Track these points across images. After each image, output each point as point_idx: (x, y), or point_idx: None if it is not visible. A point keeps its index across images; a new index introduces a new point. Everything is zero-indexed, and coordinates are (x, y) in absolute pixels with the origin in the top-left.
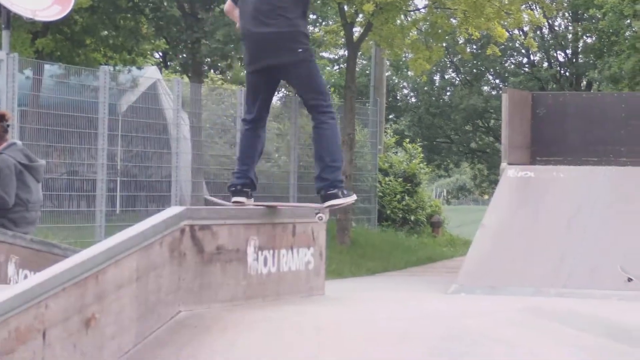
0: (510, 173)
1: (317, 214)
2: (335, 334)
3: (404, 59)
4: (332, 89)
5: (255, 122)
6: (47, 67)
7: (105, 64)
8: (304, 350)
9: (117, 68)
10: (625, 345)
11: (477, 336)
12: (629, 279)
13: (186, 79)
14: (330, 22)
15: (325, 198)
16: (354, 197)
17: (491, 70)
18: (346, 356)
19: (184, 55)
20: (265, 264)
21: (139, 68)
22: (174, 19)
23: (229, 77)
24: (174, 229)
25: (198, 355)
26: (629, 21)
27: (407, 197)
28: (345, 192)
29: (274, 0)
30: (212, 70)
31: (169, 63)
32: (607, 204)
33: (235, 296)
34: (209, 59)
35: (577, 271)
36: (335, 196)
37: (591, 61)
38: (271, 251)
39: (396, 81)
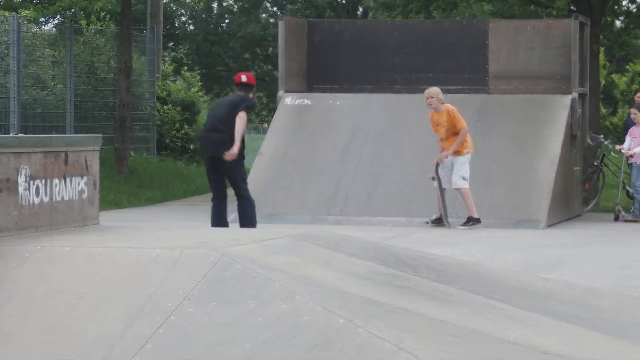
0: (287, 101)
1: None
2: (107, 264)
3: None
4: (109, 16)
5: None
6: None
7: None
8: (74, 281)
9: None
10: (392, 269)
11: (248, 262)
12: (432, 178)
13: None
14: None
15: None
16: None
17: None
18: (118, 284)
19: None
20: (37, 193)
21: None
22: None
23: (1, 3)
24: None
25: None
26: None
27: (186, 126)
28: None
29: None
30: None
31: None
32: (382, 131)
33: (6, 227)
34: None
35: (353, 198)
36: None
37: None
38: (43, 180)
39: (174, 8)
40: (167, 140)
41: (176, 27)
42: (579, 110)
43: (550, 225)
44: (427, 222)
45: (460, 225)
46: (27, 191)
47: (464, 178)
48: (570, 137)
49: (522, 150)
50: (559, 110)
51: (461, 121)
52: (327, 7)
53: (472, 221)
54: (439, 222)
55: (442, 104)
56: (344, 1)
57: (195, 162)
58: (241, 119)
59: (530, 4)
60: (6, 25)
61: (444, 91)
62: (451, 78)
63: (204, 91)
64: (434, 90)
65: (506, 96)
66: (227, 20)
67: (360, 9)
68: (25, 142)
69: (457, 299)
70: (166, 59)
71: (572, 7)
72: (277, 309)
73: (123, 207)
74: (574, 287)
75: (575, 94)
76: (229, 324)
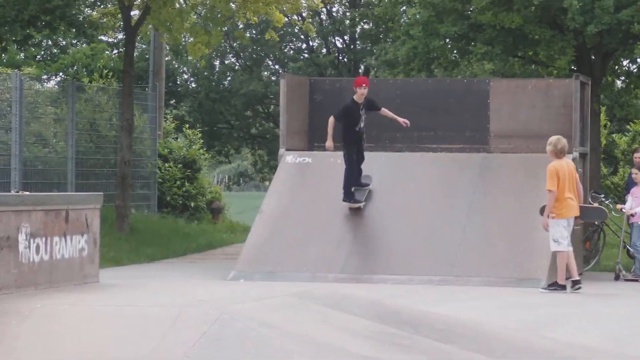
0: (288, 159)
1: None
2: (106, 322)
3: (183, 43)
4: (111, 74)
5: None
6: None
7: None
8: (73, 339)
9: None
10: (392, 327)
11: (247, 321)
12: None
13: None
14: (109, 5)
15: None
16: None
17: (271, 55)
18: (116, 343)
19: None
20: (37, 251)
21: None
22: None
23: (4, 61)
24: None
25: None
26: (404, 8)
27: (187, 184)
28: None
29: None
30: None
31: None
32: (384, 189)
33: (6, 285)
34: None
35: (353, 256)
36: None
37: (368, 47)
38: (43, 238)
39: (176, 66)
40: (168, 198)
41: (178, 84)
42: (580, 170)
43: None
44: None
45: (542, 287)
46: (28, 249)
47: (554, 240)
48: None
49: (523, 209)
50: None
51: (549, 183)
52: (328, 65)
53: (555, 286)
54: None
55: (556, 157)
56: (345, 59)
57: (195, 219)
58: (329, 121)
59: (532, 63)
60: (9, 83)
61: (445, 150)
62: (452, 136)
63: (205, 149)
64: (549, 139)
65: (507, 155)
66: (229, 78)
67: (362, 67)
68: (26, 200)
69: (455, 358)
70: (168, 116)
71: (573, 67)
72: None
73: (123, 264)
74: (574, 346)
75: (576, 154)
76: None
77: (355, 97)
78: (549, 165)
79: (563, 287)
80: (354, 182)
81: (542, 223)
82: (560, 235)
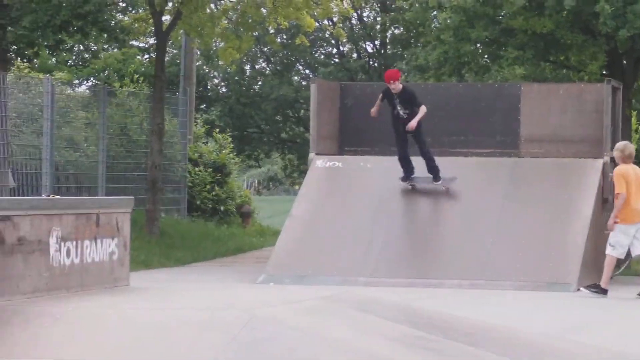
0: (318, 163)
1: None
2: (137, 325)
3: (214, 48)
4: (142, 79)
5: None
6: None
7: None
8: (106, 342)
9: None
10: (422, 331)
11: (278, 324)
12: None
13: None
14: (140, 10)
15: None
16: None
17: (301, 60)
18: (147, 346)
19: None
20: (68, 255)
21: None
22: None
23: (36, 66)
24: None
25: None
26: (434, 12)
27: (217, 188)
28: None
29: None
30: (18, 58)
31: None
32: (414, 194)
33: (37, 288)
34: (15, 47)
35: (384, 260)
36: None
37: (399, 52)
38: (74, 242)
39: (207, 71)
40: (198, 202)
41: (209, 89)
42: (611, 175)
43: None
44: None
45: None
46: (59, 253)
47: (610, 244)
48: (602, 201)
49: (554, 213)
50: (591, 174)
51: (617, 186)
52: (359, 70)
53: (597, 289)
54: None
55: (623, 162)
56: (376, 64)
57: (225, 223)
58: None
59: (563, 68)
60: (40, 88)
61: (475, 154)
62: (483, 141)
63: (235, 153)
64: (617, 145)
65: (538, 160)
66: (259, 83)
67: None
68: (57, 204)
69: None
70: (198, 120)
71: (604, 72)
72: None
73: (153, 268)
74: (603, 351)
75: (607, 158)
76: None
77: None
78: (616, 169)
79: (605, 292)
80: (401, 161)
81: (608, 224)
82: (616, 241)
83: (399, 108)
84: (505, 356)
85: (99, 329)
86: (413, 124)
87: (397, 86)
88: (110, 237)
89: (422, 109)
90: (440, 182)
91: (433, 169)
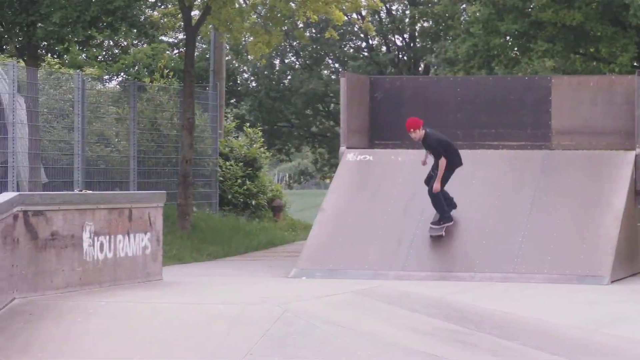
0: (349, 157)
1: None
2: (170, 320)
3: (243, 42)
4: (172, 74)
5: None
6: None
7: None
8: (138, 336)
9: None
10: (455, 324)
11: (310, 318)
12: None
13: (22, 63)
14: (169, 5)
15: None
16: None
17: (330, 54)
18: (180, 340)
19: (20, 38)
20: (101, 249)
21: None
22: (8, 1)
23: (66, 61)
24: (7, 215)
25: (32, 343)
26: (464, 5)
27: (248, 182)
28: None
29: None
30: (49, 54)
31: (4, 47)
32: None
33: (70, 283)
34: (45, 43)
35: (415, 253)
36: None
37: (428, 45)
38: (107, 236)
39: (236, 65)
40: (229, 196)
41: (238, 83)
42: None
43: (614, 280)
44: None
45: None
46: (92, 247)
47: None
48: (634, 193)
49: (586, 206)
50: (623, 166)
51: None
52: (388, 64)
53: None
54: None
55: None
56: (405, 57)
57: (257, 217)
58: None
59: (593, 60)
60: (71, 83)
61: (506, 147)
62: (513, 134)
63: (266, 147)
64: None
65: (569, 152)
66: (289, 77)
67: (422, 65)
68: (90, 199)
69: (520, 355)
70: (228, 115)
71: (635, 63)
72: None
73: (185, 262)
74: (639, 344)
75: (638, 150)
76: None
77: None
78: None
79: None
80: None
81: None
82: None
83: (428, 154)
84: (543, 350)
85: (132, 323)
86: (437, 187)
87: (416, 134)
88: (143, 232)
89: (442, 164)
90: (439, 227)
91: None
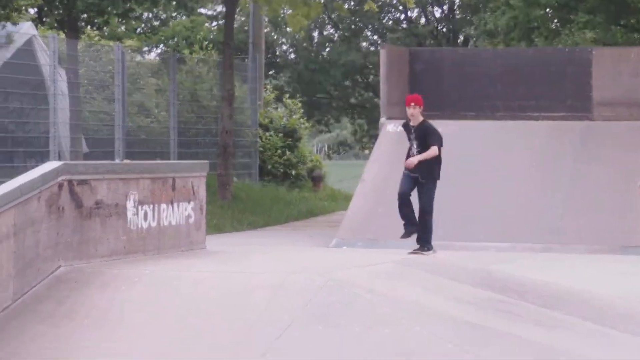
0: (389, 128)
1: None
2: (213, 288)
3: (282, 15)
4: (211, 46)
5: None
6: None
7: None
8: (181, 305)
9: None
10: (498, 294)
11: (353, 287)
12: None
13: (62, 35)
14: None
15: None
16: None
17: (369, 26)
18: (224, 308)
19: (60, 11)
20: (145, 218)
21: (14, 24)
22: None
23: (105, 33)
24: (52, 183)
25: (77, 310)
26: None
27: (287, 152)
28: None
29: None
30: (88, 27)
31: (44, 19)
32: (484, 157)
33: (115, 251)
34: (85, 15)
35: (454, 223)
36: None
37: (467, 17)
38: (151, 205)
39: (275, 37)
40: (269, 167)
41: (277, 55)
42: None
43: None
44: None
45: None
46: (136, 216)
47: None
48: None
49: (627, 177)
50: None
51: None
52: (427, 36)
53: None
54: None
55: None
56: (444, 29)
57: (297, 187)
58: None
59: (634, 32)
60: (111, 55)
61: (546, 118)
62: (553, 105)
63: (305, 118)
64: None
65: (610, 123)
66: (327, 49)
67: (461, 37)
68: (134, 168)
69: (564, 325)
70: (268, 86)
71: None
72: (382, 334)
73: (226, 232)
74: None
75: None
76: (335, 348)
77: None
78: None
79: None
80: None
81: None
82: None
83: (414, 145)
84: (587, 319)
85: (176, 292)
86: (412, 160)
87: (415, 111)
88: (187, 201)
89: (432, 150)
90: (428, 252)
91: (423, 238)
